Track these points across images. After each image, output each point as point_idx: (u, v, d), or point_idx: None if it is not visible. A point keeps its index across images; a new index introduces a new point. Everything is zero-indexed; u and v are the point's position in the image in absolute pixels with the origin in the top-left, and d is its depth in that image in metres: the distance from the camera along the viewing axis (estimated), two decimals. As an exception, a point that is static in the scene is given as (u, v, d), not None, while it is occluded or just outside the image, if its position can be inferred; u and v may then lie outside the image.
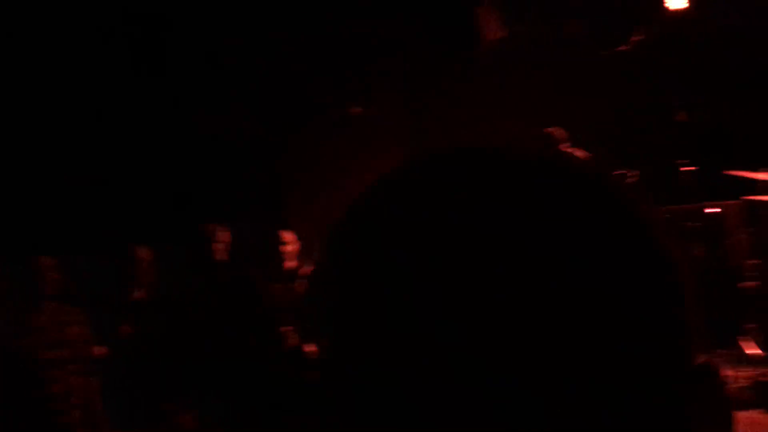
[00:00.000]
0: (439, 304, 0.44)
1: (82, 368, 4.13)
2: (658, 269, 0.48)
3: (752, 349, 5.07)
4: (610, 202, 0.49)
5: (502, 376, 0.44)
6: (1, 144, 5.76)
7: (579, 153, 6.34)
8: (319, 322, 0.49)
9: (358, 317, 0.47)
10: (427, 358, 0.45)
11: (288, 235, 5.57)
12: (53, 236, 5.34)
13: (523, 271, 0.44)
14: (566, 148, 6.09)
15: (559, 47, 7.06)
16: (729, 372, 5.04)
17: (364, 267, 0.47)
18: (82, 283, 4.65)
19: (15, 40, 5.79)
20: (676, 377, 0.47)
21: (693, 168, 6.12)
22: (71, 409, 4.04)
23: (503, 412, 0.44)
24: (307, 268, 4.90)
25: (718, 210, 6.21)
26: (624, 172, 6.01)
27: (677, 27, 6.63)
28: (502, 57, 6.83)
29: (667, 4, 6.67)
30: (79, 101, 6.06)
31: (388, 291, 0.46)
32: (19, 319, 4.16)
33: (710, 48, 6.86)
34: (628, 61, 7.21)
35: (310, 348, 4.31)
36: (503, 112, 7.09)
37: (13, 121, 5.92)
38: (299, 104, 6.33)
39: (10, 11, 5.55)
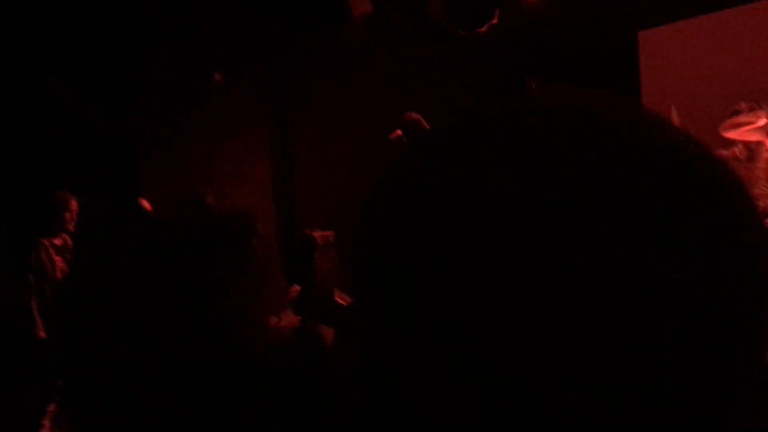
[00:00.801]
0: None
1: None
2: None
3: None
4: None
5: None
6: None
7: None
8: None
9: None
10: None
11: (146, 204, 5.41)
12: None
13: None
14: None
15: (422, 26, 7.21)
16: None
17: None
18: None
19: None
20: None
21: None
22: None
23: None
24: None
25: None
26: None
27: (535, 10, 6.95)
28: (369, 32, 6.89)
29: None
30: None
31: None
32: None
33: (564, 31, 7.26)
34: (487, 42, 7.48)
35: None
36: (368, 88, 7.18)
37: None
38: (160, 75, 6.11)
39: None
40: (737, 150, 5.18)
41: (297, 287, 3.93)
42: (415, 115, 6.43)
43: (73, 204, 4.35)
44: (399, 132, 6.59)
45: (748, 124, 4.72)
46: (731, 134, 4.90)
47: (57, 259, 4.25)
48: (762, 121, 4.64)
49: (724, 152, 5.14)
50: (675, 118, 5.23)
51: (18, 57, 4.87)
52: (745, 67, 6.32)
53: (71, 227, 4.33)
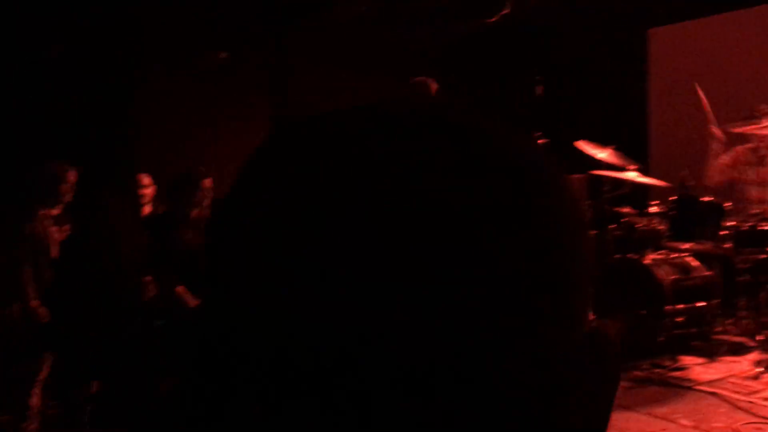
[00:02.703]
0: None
1: None
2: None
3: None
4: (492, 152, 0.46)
5: None
6: None
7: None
8: None
9: None
10: None
11: (146, 179, 5.38)
12: None
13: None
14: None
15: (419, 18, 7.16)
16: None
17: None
18: None
19: None
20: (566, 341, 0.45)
21: (545, 140, 6.45)
22: None
23: None
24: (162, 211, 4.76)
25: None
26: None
27: (546, 5, 6.89)
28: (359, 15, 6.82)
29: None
30: None
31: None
32: None
33: (575, 27, 7.21)
34: (488, 33, 7.43)
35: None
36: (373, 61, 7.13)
37: None
38: (160, 48, 6.07)
39: None
40: (746, 152, 5.14)
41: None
42: (421, 78, 6.35)
43: (71, 175, 4.33)
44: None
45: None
46: (744, 129, 4.85)
47: (53, 229, 4.23)
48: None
49: (738, 148, 5.11)
50: (702, 97, 5.18)
51: (18, 27, 4.83)
52: (754, 68, 6.27)
53: (68, 198, 4.30)
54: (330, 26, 6.85)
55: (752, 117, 4.81)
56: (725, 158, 5.16)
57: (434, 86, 6.05)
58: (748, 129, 4.83)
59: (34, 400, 3.81)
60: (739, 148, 5.12)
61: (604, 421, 0.53)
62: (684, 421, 3.71)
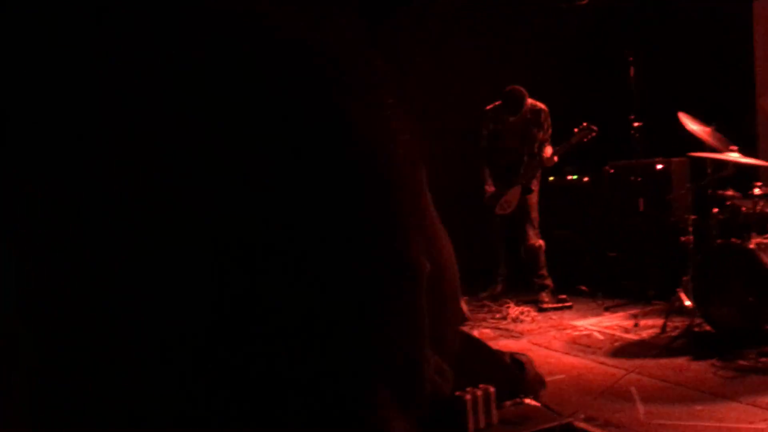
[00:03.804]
0: None
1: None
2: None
3: (686, 301, 5.29)
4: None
5: None
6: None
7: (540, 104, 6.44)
8: None
9: None
10: None
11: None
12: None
13: None
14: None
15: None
16: (666, 322, 5.28)
17: None
18: None
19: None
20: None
21: (641, 123, 6.28)
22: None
23: None
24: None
25: (662, 166, 6.42)
26: (586, 124, 6.12)
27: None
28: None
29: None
30: None
31: None
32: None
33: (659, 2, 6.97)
34: (585, 14, 7.26)
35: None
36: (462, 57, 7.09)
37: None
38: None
39: None
40: None
41: None
42: (516, 87, 6.34)
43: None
44: (499, 102, 6.49)
45: None
46: None
47: None
48: None
49: None
50: None
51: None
52: None
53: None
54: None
55: None
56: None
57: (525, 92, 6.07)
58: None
59: None
60: None
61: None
62: (792, 413, 3.56)
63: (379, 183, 0.50)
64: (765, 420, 3.48)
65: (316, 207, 0.45)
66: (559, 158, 6.37)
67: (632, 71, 6.32)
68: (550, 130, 6.45)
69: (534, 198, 6.52)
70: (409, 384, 0.52)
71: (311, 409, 0.46)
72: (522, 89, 6.34)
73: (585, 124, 6.12)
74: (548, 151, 6.36)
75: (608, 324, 5.70)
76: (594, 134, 6.08)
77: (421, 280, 0.51)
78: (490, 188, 6.55)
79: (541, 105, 6.42)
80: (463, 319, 5.95)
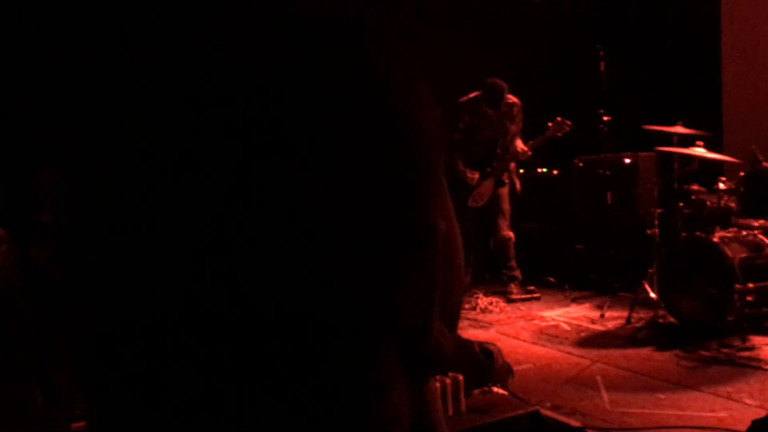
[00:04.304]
0: None
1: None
2: None
3: (651, 293, 5.39)
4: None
5: None
6: None
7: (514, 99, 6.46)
8: None
9: None
10: None
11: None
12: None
13: None
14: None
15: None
16: (632, 313, 5.38)
17: None
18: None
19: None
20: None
21: (608, 118, 6.37)
22: None
23: None
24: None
25: (630, 160, 6.51)
26: (561, 119, 6.17)
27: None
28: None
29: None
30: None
31: None
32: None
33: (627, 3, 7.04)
34: (556, 8, 7.31)
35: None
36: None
37: None
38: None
39: None
40: None
41: None
42: (497, 81, 6.34)
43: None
44: (476, 94, 6.48)
45: None
46: None
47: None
48: None
49: None
50: None
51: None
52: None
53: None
54: None
55: None
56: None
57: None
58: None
59: None
60: None
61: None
62: (749, 401, 3.66)
63: (413, 140, 0.56)
64: (725, 408, 3.57)
65: (358, 161, 0.52)
66: (532, 152, 6.43)
67: (602, 65, 6.39)
68: (521, 124, 6.50)
69: (506, 190, 6.56)
70: (418, 336, 0.56)
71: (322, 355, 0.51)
72: (503, 83, 6.34)
73: (559, 118, 6.17)
74: (519, 144, 6.41)
75: (575, 315, 5.79)
76: (568, 129, 6.13)
77: (438, 240, 0.56)
78: (474, 175, 6.50)
79: (514, 99, 6.45)
80: (466, 290, 6.00)
